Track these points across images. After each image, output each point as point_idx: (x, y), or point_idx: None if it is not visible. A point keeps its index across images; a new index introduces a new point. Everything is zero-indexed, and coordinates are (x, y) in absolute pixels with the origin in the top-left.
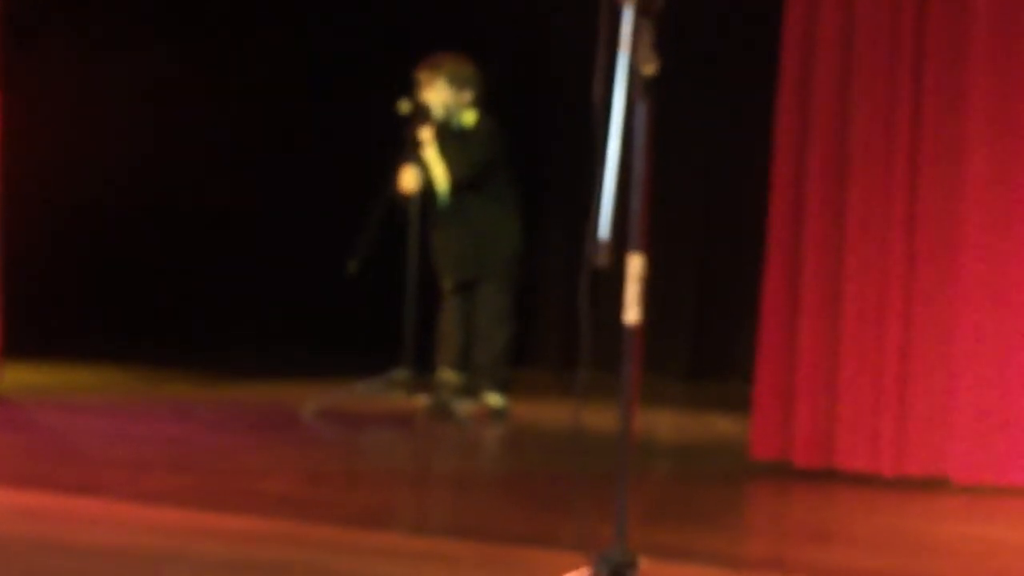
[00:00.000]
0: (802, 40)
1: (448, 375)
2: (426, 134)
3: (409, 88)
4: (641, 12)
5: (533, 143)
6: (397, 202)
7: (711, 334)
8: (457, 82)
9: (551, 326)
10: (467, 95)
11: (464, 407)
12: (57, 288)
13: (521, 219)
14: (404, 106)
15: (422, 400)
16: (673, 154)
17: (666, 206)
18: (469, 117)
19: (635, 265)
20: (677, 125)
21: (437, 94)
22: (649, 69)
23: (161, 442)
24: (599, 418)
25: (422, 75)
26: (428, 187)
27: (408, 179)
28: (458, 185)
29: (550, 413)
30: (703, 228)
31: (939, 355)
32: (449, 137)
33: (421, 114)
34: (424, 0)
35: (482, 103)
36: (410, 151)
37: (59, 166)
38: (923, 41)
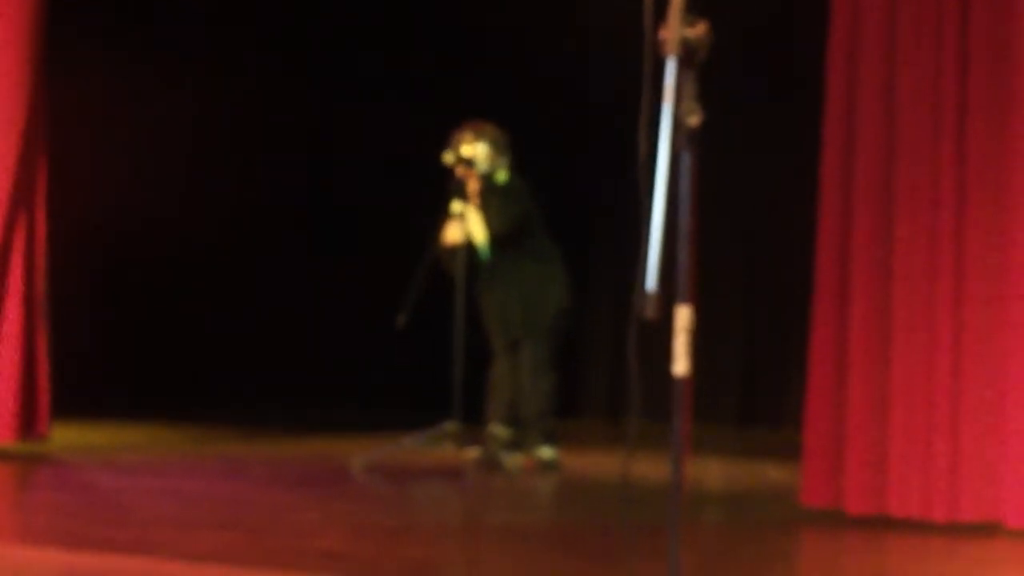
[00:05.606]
0: (845, 97)
1: (498, 429)
2: (473, 185)
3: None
4: (685, 63)
5: (579, 197)
6: (443, 256)
7: (761, 382)
8: (497, 146)
9: (601, 378)
10: (505, 160)
11: (513, 459)
12: (105, 346)
13: (565, 275)
14: (448, 158)
15: (472, 453)
16: (718, 204)
17: (712, 256)
18: (502, 175)
19: (683, 317)
20: (722, 176)
21: (481, 152)
22: (693, 120)
23: (210, 500)
24: (649, 468)
25: (465, 136)
26: (472, 241)
27: (453, 232)
28: (497, 239)
29: (600, 464)
30: (750, 277)
31: (989, 400)
32: (486, 193)
33: (466, 166)
34: (467, 54)
35: (514, 168)
36: (455, 201)
37: (107, 220)
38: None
